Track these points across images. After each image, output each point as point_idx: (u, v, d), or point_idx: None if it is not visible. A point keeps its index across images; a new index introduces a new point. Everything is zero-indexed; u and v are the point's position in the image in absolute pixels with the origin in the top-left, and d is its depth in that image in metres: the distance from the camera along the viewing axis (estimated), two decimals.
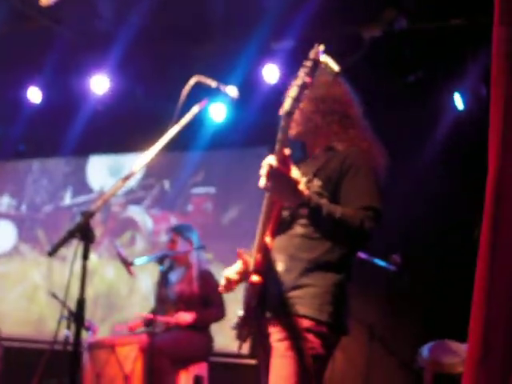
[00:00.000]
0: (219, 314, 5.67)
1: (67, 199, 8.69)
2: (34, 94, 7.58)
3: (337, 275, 2.84)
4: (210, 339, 5.73)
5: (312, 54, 2.60)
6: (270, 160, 2.65)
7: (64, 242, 2.61)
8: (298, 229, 2.88)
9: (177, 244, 5.76)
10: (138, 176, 8.33)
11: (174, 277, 5.83)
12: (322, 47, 2.58)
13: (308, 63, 2.59)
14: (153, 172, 8.26)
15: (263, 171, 2.67)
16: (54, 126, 7.79)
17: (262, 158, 2.65)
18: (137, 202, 8.38)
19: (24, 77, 7.46)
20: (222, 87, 3.15)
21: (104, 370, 5.26)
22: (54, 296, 5.72)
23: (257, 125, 6.69)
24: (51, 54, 6.80)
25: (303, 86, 2.59)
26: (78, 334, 2.56)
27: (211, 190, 7.91)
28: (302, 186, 2.67)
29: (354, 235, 2.73)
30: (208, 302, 5.70)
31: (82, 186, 8.67)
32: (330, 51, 2.59)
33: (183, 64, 6.58)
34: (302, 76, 2.59)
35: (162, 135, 3.06)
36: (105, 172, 8.62)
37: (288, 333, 2.77)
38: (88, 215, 2.66)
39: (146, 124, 6.58)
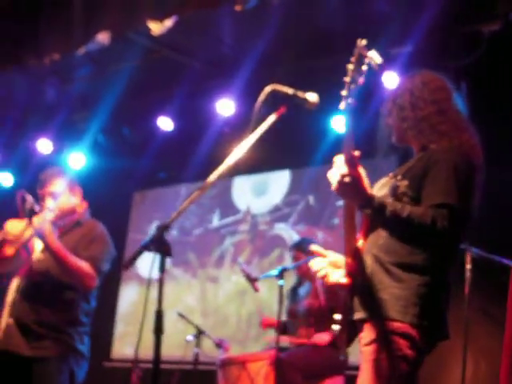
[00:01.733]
0: None
1: (215, 221, 8.81)
2: (165, 123, 7.81)
3: (423, 277, 2.72)
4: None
5: (356, 50, 2.58)
6: (339, 160, 2.70)
7: (138, 254, 2.63)
8: (381, 230, 2.82)
9: (300, 260, 5.72)
10: (282, 193, 8.42)
11: (302, 291, 5.81)
12: (364, 41, 2.56)
13: (353, 59, 2.62)
14: (297, 188, 8.29)
15: (333, 175, 2.72)
16: (186, 152, 7.98)
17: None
18: (282, 219, 8.36)
19: (155, 107, 7.72)
20: (299, 94, 3.11)
21: None
22: (181, 316, 5.85)
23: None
24: (179, 84, 7.03)
25: (351, 83, 2.63)
26: (157, 348, 2.56)
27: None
28: (365, 185, 2.67)
29: (426, 235, 2.66)
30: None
31: (228, 208, 8.77)
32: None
33: (306, 81, 6.58)
34: (349, 73, 2.64)
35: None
36: (249, 192, 8.73)
37: (373, 337, 2.70)
38: (162, 228, 2.68)
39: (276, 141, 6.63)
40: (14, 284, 4.14)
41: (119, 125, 8.22)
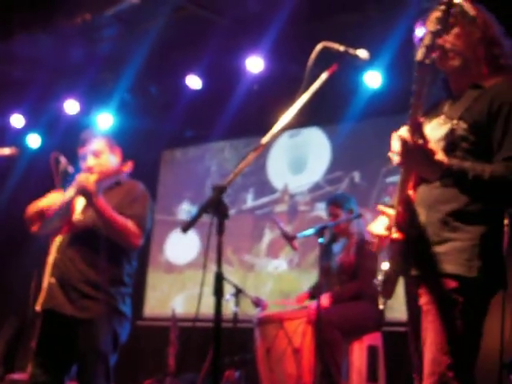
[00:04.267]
0: (357, 288, 5.55)
1: (249, 201, 8.44)
2: (194, 81, 7.75)
3: (483, 226, 2.62)
4: (379, 309, 5.64)
5: None
6: (403, 133, 2.52)
7: (197, 218, 2.63)
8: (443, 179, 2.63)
9: (338, 217, 5.68)
10: (322, 170, 8.00)
11: (336, 248, 5.79)
12: None
13: (441, 7, 2.41)
14: (339, 164, 7.90)
15: (397, 147, 2.57)
16: (215, 110, 7.91)
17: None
18: (325, 198, 7.57)
19: (183, 65, 7.68)
20: (351, 51, 3.06)
21: (273, 345, 5.32)
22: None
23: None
24: (207, 42, 6.97)
25: (436, 33, 2.43)
26: (218, 308, 2.57)
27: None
28: (440, 156, 2.50)
29: (509, 192, 2.55)
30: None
31: (264, 186, 8.37)
32: None
33: (337, 37, 6.50)
34: (434, 22, 2.44)
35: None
36: (286, 168, 8.31)
37: (436, 295, 2.61)
38: (219, 189, 2.67)
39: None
40: (56, 243, 4.15)
41: (147, 84, 8.18)
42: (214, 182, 7.88)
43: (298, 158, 8.21)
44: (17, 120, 8.62)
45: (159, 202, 8.87)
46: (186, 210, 9.01)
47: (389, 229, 2.75)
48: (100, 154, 4.26)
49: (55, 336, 4.07)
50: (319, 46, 3.00)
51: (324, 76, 3.01)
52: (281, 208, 8.30)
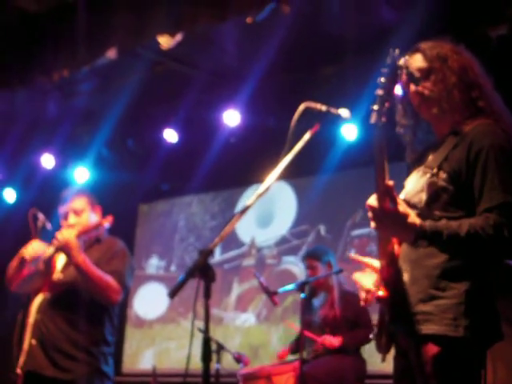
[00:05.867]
0: (367, 334, 5.54)
1: (217, 255, 8.24)
2: (170, 134, 7.78)
3: (468, 282, 2.52)
4: (362, 361, 5.65)
5: (389, 60, 2.50)
6: (372, 201, 2.51)
7: (184, 282, 2.61)
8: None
9: (317, 269, 5.71)
10: (289, 223, 8.03)
11: (317, 302, 5.80)
12: (397, 51, 2.50)
13: (386, 70, 2.49)
14: (305, 217, 7.92)
15: (369, 214, 2.54)
16: (192, 163, 7.93)
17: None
18: (292, 251, 7.93)
19: (160, 119, 7.72)
20: (333, 110, 3.09)
21: None
22: (201, 331, 5.82)
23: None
24: (184, 96, 7.01)
25: (383, 98, 2.48)
26: (206, 372, 2.55)
27: (373, 230, 7.23)
28: (412, 219, 2.46)
29: (493, 248, 2.46)
30: (355, 323, 5.62)
31: (231, 240, 8.26)
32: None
33: (314, 90, 6.57)
34: (381, 87, 2.49)
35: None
36: (253, 223, 8.29)
37: (425, 356, 2.53)
38: (206, 253, 2.66)
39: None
40: (36, 303, 4.11)
41: (123, 138, 8.19)
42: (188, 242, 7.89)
43: (264, 211, 8.19)
44: None
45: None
46: (154, 265, 8.98)
47: (376, 285, 2.71)
48: (81, 213, 4.26)
49: None
50: (302, 107, 3.02)
51: (307, 136, 3.03)
52: (248, 262, 8.30)
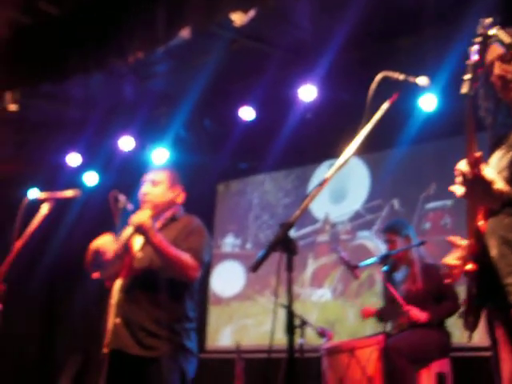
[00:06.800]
0: (453, 307, 5.44)
1: (291, 232, 8.06)
2: (247, 112, 7.76)
3: None
4: (446, 335, 5.58)
5: (480, 29, 2.47)
6: (462, 167, 2.53)
7: (266, 256, 2.61)
8: (508, 208, 2.64)
9: (396, 243, 5.66)
10: (362, 199, 8.02)
11: (398, 276, 5.74)
12: (489, 20, 2.45)
13: (477, 39, 2.46)
14: (378, 192, 7.89)
15: (458, 180, 2.57)
16: (269, 140, 7.92)
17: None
18: (365, 226, 7.92)
19: (236, 97, 7.72)
20: (411, 79, 3.04)
21: (346, 375, 5.30)
22: (284, 306, 5.84)
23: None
24: (260, 73, 7.00)
25: (475, 66, 2.47)
26: (291, 344, 2.56)
27: (447, 202, 7.21)
28: (498, 185, 2.51)
29: None
30: (439, 296, 5.55)
31: (304, 217, 8.12)
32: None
33: (391, 62, 6.46)
34: (472, 55, 2.48)
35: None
36: (327, 199, 8.26)
37: (509, 327, 2.57)
38: (286, 226, 2.65)
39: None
40: (118, 284, 4.16)
41: (200, 118, 8.22)
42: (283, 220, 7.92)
43: (337, 187, 8.17)
44: (73, 159, 8.71)
45: None
46: (230, 243, 9.06)
47: (463, 259, 2.74)
48: (157, 184, 4.28)
49: (123, 377, 4.06)
50: (379, 76, 3.00)
51: (385, 106, 2.99)
52: (322, 238, 8.31)
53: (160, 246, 3.95)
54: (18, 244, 4.20)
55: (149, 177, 4.32)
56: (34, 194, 4.48)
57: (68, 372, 8.68)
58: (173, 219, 4.28)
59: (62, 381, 8.70)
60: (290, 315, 2.57)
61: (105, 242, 4.12)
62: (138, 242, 4.21)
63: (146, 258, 4.12)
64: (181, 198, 4.31)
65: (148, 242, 3.99)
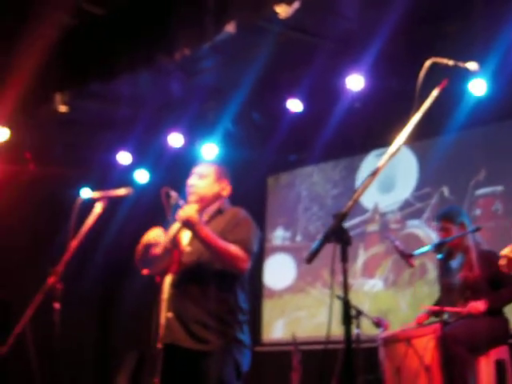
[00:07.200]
0: None
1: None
2: (295, 104, 7.73)
3: None
4: (505, 321, 5.50)
5: None
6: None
7: (320, 247, 2.62)
8: None
9: (451, 231, 5.57)
10: (411, 187, 7.98)
11: (454, 264, 5.66)
12: None
13: None
14: (427, 180, 7.84)
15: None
16: (314, 133, 7.92)
17: None
18: (415, 215, 7.87)
19: (284, 90, 7.71)
20: (460, 64, 3.02)
21: (404, 364, 5.26)
22: (339, 297, 5.83)
23: None
24: (307, 65, 6.99)
25: None
26: (348, 335, 2.56)
27: (498, 188, 7.15)
28: None
29: None
30: (497, 283, 5.47)
31: (354, 207, 8.15)
32: None
33: (438, 48, 6.41)
34: None
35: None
36: (375, 189, 8.23)
37: None
38: (340, 217, 2.65)
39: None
40: (168, 280, 4.18)
41: (249, 112, 8.23)
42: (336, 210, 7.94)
43: (386, 177, 8.09)
44: (123, 157, 8.79)
45: None
46: (280, 236, 9.07)
47: None
48: (203, 178, 4.29)
49: (177, 371, 4.08)
50: (428, 63, 2.97)
51: (435, 93, 2.97)
52: (372, 228, 8.28)
53: (208, 239, 3.96)
54: (74, 244, 4.25)
55: (196, 170, 4.34)
56: (86, 193, 4.53)
57: (125, 369, 8.78)
58: (219, 212, 4.29)
59: (120, 378, 8.80)
60: (347, 306, 2.56)
61: (155, 235, 4.16)
62: (186, 236, 4.24)
63: (194, 251, 4.13)
64: (227, 191, 4.33)
65: (195, 235, 4.01)
